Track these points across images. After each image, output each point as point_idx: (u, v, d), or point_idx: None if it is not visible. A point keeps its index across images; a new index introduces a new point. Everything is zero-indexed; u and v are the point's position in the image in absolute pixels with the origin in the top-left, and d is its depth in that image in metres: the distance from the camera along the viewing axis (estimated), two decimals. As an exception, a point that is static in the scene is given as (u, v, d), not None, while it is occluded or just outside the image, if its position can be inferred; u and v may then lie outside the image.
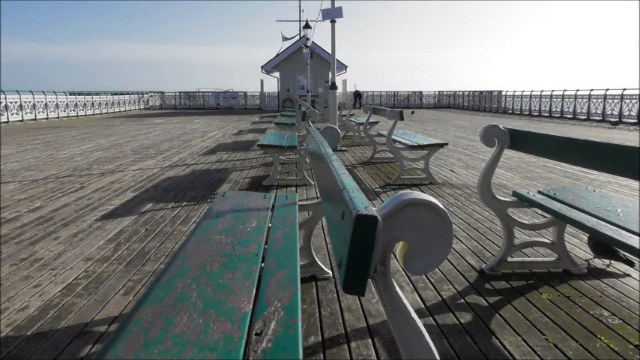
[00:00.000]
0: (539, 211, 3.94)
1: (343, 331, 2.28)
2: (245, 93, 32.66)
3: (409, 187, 5.77)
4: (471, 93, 30.39)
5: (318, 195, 5.18)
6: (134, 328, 1.22)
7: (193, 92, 33.64)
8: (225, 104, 32.38)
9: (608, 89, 17.90)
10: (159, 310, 1.32)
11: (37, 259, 3.31)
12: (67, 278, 2.95)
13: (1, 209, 4.75)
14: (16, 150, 9.78)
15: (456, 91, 33.06)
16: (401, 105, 32.78)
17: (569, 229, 3.44)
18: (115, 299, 2.65)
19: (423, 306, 2.55)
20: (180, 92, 33.22)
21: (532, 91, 23.05)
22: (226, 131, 14.50)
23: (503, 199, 3.03)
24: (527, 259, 3.14)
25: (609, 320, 2.37)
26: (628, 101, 16.81)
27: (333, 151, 2.19)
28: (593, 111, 18.53)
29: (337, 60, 16.03)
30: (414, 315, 1.06)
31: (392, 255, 1.08)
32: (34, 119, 19.45)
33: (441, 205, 1.03)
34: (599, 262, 3.10)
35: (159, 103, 32.78)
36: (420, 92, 34.62)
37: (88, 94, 24.32)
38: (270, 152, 6.32)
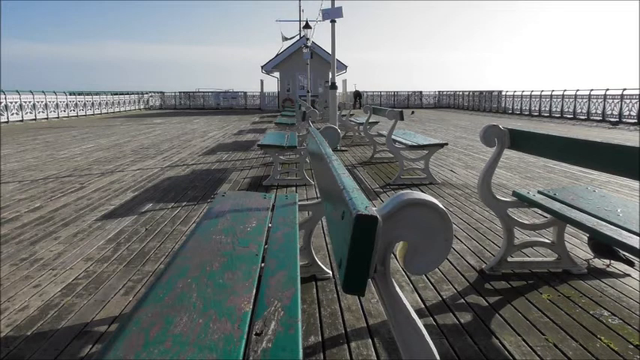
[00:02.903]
0: (539, 211, 3.94)
1: (343, 331, 2.28)
2: (245, 93, 32.66)
3: (409, 187, 5.77)
4: (471, 93, 30.38)
5: (318, 195, 5.18)
6: (134, 328, 1.22)
7: (193, 92, 33.63)
8: (225, 104, 32.38)
9: (608, 89, 17.89)
10: (159, 310, 1.32)
11: (37, 259, 3.31)
12: (67, 278, 2.95)
13: (1, 209, 4.75)
14: (16, 150, 9.78)
15: (456, 91, 33.05)
16: (401, 105, 32.77)
17: (569, 229, 3.43)
18: (115, 299, 2.65)
19: (423, 306, 2.55)
20: (180, 92, 33.22)
21: (532, 91, 23.04)
22: (226, 131, 14.50)
23: (503, 199, 3.03)
24: (527, 259, 3.14)
25: (609, 320, 2.37)
26: (628, 101, 16.80)
27: (333, 151, 2.19)
28: (593, 111, 18.52)
29: (337, 60, 16.01)
30: (414, 315, 1.05)
31: (392, 255, 1.08)
32: (34, 119, 19.45)
33: (441, 205, 1.03)
34: (599, 262, 3.10)
35: (159, 103, 32.77)
36: (420, 92, 34.61)
37: (88, 94, 24.32)
38: (270, 152, 6.32)
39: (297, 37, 30.80)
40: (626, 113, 16.83)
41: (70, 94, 22.83)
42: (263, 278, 1.59)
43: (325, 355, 2.09)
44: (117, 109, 27.14)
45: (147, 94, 32.07)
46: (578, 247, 3.42)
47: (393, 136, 6.54)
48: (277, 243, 2.02)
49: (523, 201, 3.00)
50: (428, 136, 9.95)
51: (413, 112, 24.37)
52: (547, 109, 21.54)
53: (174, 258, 1.77)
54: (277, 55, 29.14)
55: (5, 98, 17.91)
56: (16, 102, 18.56)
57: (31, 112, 19.37)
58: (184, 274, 1.59)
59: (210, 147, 10.23)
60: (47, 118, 20.21)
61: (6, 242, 3.68)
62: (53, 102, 20.87)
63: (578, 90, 19.59)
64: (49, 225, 4.16)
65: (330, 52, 10.43)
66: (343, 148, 9.69)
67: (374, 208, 1.01)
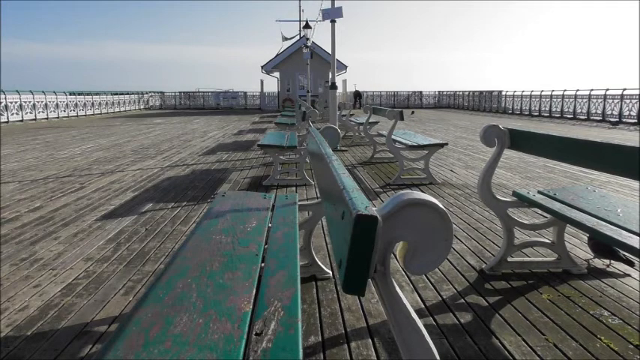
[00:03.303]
0: (539, 211, 3.94)
1: (343, 331, 2.28)
2: (245, 93, 32.66)
3: (409, 187, 5.77)
4: (471, 93, 30.37)
5: (318, 195, 5.18)
6: (134, 328, 1.22)
7: (193, 92, 33.62)
8: (225, 104, 32.38)
9: (608, 89, 17.89)
10: (159, 310, 1.32)
11: (37, 259, 3.31)
12: (67, 278, 2.95)
13: (1, 209, 4.75)
14: (16, 150, 9.78)
15: (456, 91, 33.04)
16: (401, 105, 32.77)
17: (569, 229, 3.43)
18: (115, 299, 2.65)
19: (423, 306, 2.55)
20: (180, 92, 33.21)
21: (532, 91, 23.04)
22: (226, 131, 14.50)
23: (503, 199, 3.03)
24: (527, 259, 3.14)
25: (609, 320, 2.37)
26: (628, 101, 16.80)
27: (333, 151, 2.19)
28: (593, 111, 18.52)
29: (337, 60, 16.01)
30: (414, 315, 1.06)
31: (392, 255, 1.08)
32: (34, 119, 19.45)
33: (441, 205, 1.03)
34: (599, 262, 3.10)
35: (159, 103, 32.76)
36: (420, 92, 34.60)
37: (88, 94, 24.32)
38: (270, 152, 6.32)
39: (297, 37, 30.81)
40: (626, 113, 16.83)
41: (70, 94, 22.82)
42: (263, 278, 1.59)
43: (325, 355, 2.09)
44: (117, 109, 27.13)
45: (147, 94, 32.06)
46: (578, 247, 3.42)
47: (393, 136, 6.54)
48: (277, 243, 2.02)
49: (523, 201, 3.00)
50: (428, 136, 9.95)
51: (413, 112, 24.37)
52: (547, 109, 21.54)
53: (174, 258, 1.77)
54: (277, 55, 29.14)
55: (5, 98, 17.91)
56: (16, 102, 18.55)
57: (31, 112, 19.37)
58: (184, 274, 1.59)
59: (210, 147, 10.23)
60: (47, 118, 20.20)
61: (6, 242, 3.68)
62: (53, 102, 20.86)
63: (578, 90, 19.60)
64: (49, 225, 4.16)
65: (330, 52, 10.43)
66: (343, 148, 9.69)
67: (374, 208, 1.01)
